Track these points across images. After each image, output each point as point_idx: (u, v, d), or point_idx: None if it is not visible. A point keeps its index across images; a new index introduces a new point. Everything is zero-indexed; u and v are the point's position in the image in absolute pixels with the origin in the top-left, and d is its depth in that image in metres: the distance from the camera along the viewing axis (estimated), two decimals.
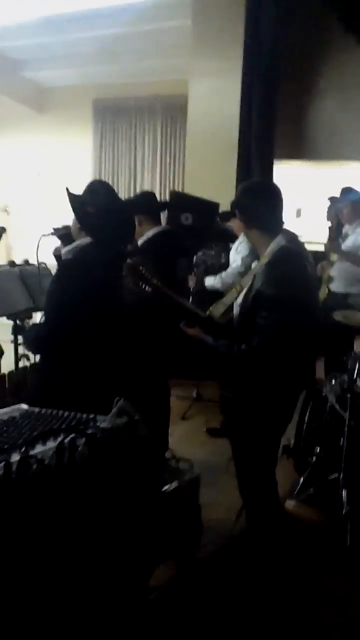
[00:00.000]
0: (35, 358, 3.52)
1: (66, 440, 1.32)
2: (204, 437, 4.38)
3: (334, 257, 4.88)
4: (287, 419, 2.61)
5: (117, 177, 8.16)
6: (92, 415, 1.57)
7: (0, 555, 1.19)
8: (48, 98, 8.56)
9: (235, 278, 4.16)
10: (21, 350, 3.84)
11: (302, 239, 2.93)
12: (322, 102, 6.04)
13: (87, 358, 2.39)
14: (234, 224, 4.51)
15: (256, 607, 2.53)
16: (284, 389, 2.44)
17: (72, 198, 2.58)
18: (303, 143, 6.24)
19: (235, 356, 2.35)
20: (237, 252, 4.27)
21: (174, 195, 5.36)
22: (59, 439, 1.36)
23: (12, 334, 3.83)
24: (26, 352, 3.74)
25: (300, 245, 2.48)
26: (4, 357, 4.03)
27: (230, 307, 2.52)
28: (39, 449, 1.38)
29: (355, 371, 3.49)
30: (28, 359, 3.86)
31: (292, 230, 2.66)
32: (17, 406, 1.77)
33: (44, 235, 3.26)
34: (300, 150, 6.27)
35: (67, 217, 2.82)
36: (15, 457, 1.29)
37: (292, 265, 2.37)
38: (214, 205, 5.09)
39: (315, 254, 3.42)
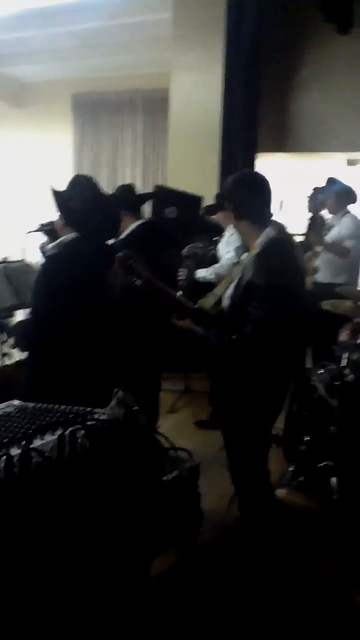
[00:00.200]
0: (18, 356, 3.52)
1: (66, 433, 1.32)
2: (193, 429, 4.40)
3: (318, 248, 4.92)
4: (279, 407, 2.63)
5: (98, 172, 8.11)
6: (89, 408, 1.58)
7: (4, 547, 1.19)
8: (27, 93, 8.48)
9: (230, 269, 4.17)
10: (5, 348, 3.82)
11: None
12: (304, 93, 6.06)
13: (75, 352, 2.39)
14: (221, 217, 4.52)
15: (252, 592, 2.57)
16: (276, 378, 2.46)
17: (56, 194, 2.58)
18: (285, 135, 6.25)
19: (227, 346, 2.37)
20: (229, 244, 4.28)
21: (158, 189, 5.35)
22: (59, 432, 1.37)
23: None
24: (8, 350, 3.73)
25: (290, 236, 2.49)
26: None
27: (221, 298, 2.53)
28: (37, 442, 1.39)
29: (344, 360, 3.53)
30: (10, 357, 3.84)
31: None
32: (10, 402, 1.77)
33: (30, 231, 3.26)
34: (282, 142, 6.29)
35: (50, 213, 2.82)
36: (16, 451, 1.30)
37: (283, 256, 2.38)
38: (198, 199, 5.11)
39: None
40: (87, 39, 6.69)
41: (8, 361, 3.85)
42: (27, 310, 2.87)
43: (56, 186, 2.64)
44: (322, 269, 4.91)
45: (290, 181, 6.81)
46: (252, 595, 2.57)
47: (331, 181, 5.08)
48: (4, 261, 4.12)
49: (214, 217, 4.93)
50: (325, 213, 5.08)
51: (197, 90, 5.87)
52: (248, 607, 2.52)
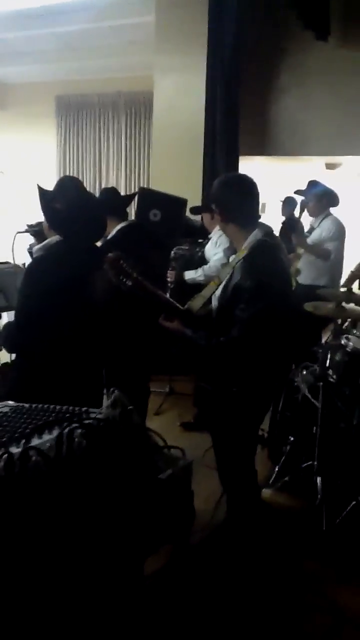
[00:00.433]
0: (6, 357, 3.50)
1: (65, 432, 1.34)
2: (178, 431, 4.43)
3: (300, 250, 4.98)
4: (266, 409, 2.67)
5: (81, 174, 8.12)
6: (84, 408, 1.60)
7: (2, 545, 1.21)
8: (9, 94, 8.46)
9: (219, 271, 4.21)
10: None
11: None
12: (284, 98, 6.12)
13: (59, 354, 2.40)
14: (206, 219, 4.55)
15: (240, 591, 2.60)
16: (263, 380, 2.49)
17: (42, 194, 2.57)
18: (266, 139, 6.31)
19: (214, 348, 2.40)
20: (218, 245, 4.30)
21: (142, 191, 5.36)
22: (58, 431, 1.39)
23: None
24: None
25: (276, 238, 2.53)
26: None
27: (209, 300, 2.56)
28: (35, 441, 1.40)
29: (327, 361, 3.58)
30: None
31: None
32: (4, 402, 1.78)
33: (18, 232, 3.25)
34: (263, 145, 6.35)
35: (37, 214, 2.82)
36: (15, 449, 1.31)
37: (270, 258, 2.42)
38: (182, 201, 5.13)
39: None
40: (71, 41, 6.70)
41: None
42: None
43: (42, 185, 2.63)
44: (304, 271, 4.98)
45: (271, 184, 6.89)
46: (240, 595, 2.61)
47: (312, 184, 5.13)
48: None
49: (197, 219, 4.99)
50: (306, 215, 5.16)
51: (180, 93, 5.91)
52: (236, 606, 2.55)
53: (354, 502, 3.21)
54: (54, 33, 6.55)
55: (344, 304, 3.53)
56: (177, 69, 5.89)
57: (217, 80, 5.66)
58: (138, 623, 1.50)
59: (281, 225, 6.72)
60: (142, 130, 7.70)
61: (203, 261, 4.46)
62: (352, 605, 2.71)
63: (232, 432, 2.57)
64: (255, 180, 2.54)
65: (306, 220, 5.20)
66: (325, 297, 3.80)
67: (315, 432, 3.47)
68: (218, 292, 2.52)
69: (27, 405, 1.68)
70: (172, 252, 4.57)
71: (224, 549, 2.75)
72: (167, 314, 2.48)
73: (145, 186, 7.08)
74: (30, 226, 3.21)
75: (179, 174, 5.82)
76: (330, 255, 4.91)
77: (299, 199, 5.30)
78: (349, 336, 3.70)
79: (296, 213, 5.53)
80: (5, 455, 1.23)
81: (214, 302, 2.56)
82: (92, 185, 8.00)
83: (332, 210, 5.05)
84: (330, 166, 7.32)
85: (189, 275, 4.43)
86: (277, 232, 4.80)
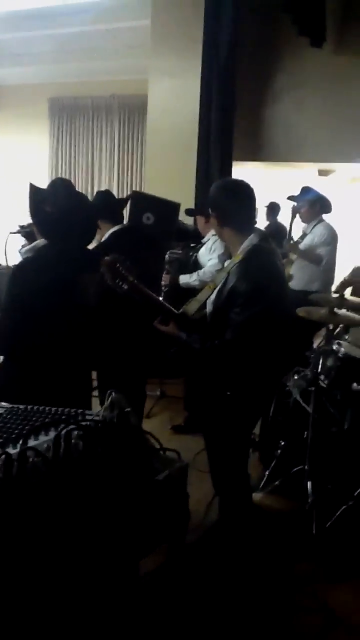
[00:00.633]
0: None
1: (62, 433, 1.34)
2: (170, 434, 4.43)
3: (293, 255, 5.01)
4: (260, 413, 2.69)
5: (74, 176, 8.12)
6: (80, 410, 1.61)
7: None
8: (2, 96, 8.44)
9: (214, 277, 4.21)
10: None
11: None
12: (278, 104, 6.16)
13: (45, 357, 2.38)
14: (200, 222, 4.56)
15: (232, 592, 2.61)
16: (257, 384, 2.51)
17: (33, 193, 2.54)
18: (259, 144, 6.34)
19: (209, 351, 2.40)
20: (212, 251, 4.31)
21: (135, 195, 5.36)
22: (54, 432, 1.39)
23: None
24: None
25: (271, 243, 2.55)
26: None
27: (204, 304, 2.57)
28: (31, 442, 1.41)
29: (318, 366, 3.60)
30: None
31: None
32: None
33: (11, 232, 3.25)
34: (256, 151, 6.38)
35: (27, 216, 2.81)
36: (12, 450, 1.31)
37: (265, 263, 2.43)
38: (175, 205, 5.14)
39: None
40: (65, 44, 6.70)
41: None
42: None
43: (35, 184, 2.61)
44: (296, 276, 5.00)
45: (264, 190, 6.93)
46: (232, 596, 2.61)
47: (305, 190, 5.17)
48: None
49: (190, 224, 5.00)
50: (298, 221, 5.18)
51: (175, 97, 5.93)
52: (227, 607, 2.56)
53: (344, 507, 3.22)
54: (49, 35, 6.56)
55: (336, 309, 3.56)
56: (172, 72, 5.91)
57: (212, 85, 5.68)
58: (133, 622, 1.50)
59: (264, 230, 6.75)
60: (135, 133, 7.72)
61: (197, 265, 4.47)
62: (342, 606, 2.73)
63: (225, 436, 2.57)
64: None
65: (298, 226, 5.22)
66: (318, 303, 3.83)
67: (307, 437, 3.48)
68: (213, 296, 2.53)
69: (22, 406, 1.68)
70: (167, 255, 4.57)
71: (217, 551, 2.76)
72: (162, 317, 2.49)
73: (138, 189, 7.09)
74: (22, 227, 3.22)
75: (172, 177, 5.83)
76: (322, 260, 4.94)
77: (287, 204, 5.32)
78: (341, 341, 3.73)
79: (287, 219, 5.56)
80: (3, 455, 1.23)
81: (209, 306, 2.57)
82: (85, 188, 8.00)
83: (324, 216, 5.08)
84: (323, 172, 7.37)
85: (184, 279, 4.44)
86: None
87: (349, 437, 3.39)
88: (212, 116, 5.70)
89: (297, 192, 5.15)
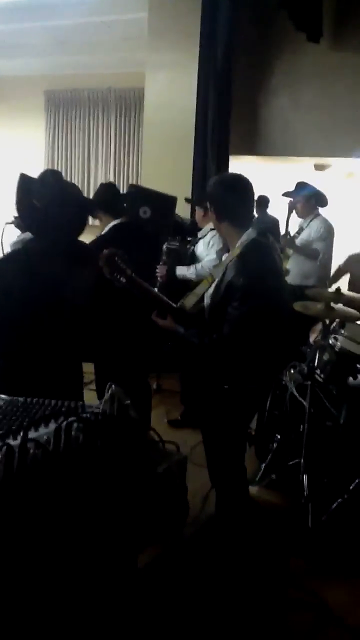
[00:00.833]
0: None
1: (63, 425, 1.35)
2: (166, 428, 4.44)
3: (289, 251, 5.02)
4: (257, 406, 2.70)
5: (70, 170, 8.10)
6: (79, 402, 1.61)
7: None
8: None
9: (211, 272, 4.21)
10: None
11: None
12: (275, 98, 6.14)
13: (31, 351, 2.35)
14: (198, 215, 4.57)
15: (226, 586, 2.62)
16: (255, 377, 2.51)
17: (22, 182, 2.49)
18: (256, 138, 6.33)
19: (207, 345, 2.41)
20: (211, 246, 4.32)
21: (132, 188, 5.35)
22: (54, 424, 1.39)
23: None
24: None
25: (269, 238, 2.55)
26: None
27: (202, 298, 2.57)
28: (31, 434, 1.41)
29: (315, 360, 3.62)
30: None
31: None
32: None
33: (7, 223, 3.24)
34: (253, 145, 6.37)
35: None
36: (13, 442, 1.31)
37: (263, 257, 2.44)
38: (172, 199, 5.13)
39: None
40: (62, 36, 6.67)
41: None
42: None
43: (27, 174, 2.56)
44: (292, 271, 5.01)
45: (260, 184, 6.92)
46: (226, 590, 2.63)
47: (300, 185, 5.18)
48: None
49: (187, 218, 4.99)
50: (294, 216, 5.19)
51: (172, 90, 5.92)
52: (221, 601, 2.57)
53: (339, 500, 3.24)
54: (45, 27, 6.51)
55: (332, 304, 3.57)
56: (169, 66, 5.89)
57: (209, 78, 5.67)
58: (131, 613, 1.51)
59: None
60: (132, 126, 7.69)
61: (194, 258, 4.47)
62: (337, 601, 2.75)
63: (223, 429, 2.58)
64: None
65: (294, 221, 5.23)
66: (314, 297, 3.84)
67: (302, 431, 3.50)
68: (211, 290, 2.53)
69: (21, 399, 1.68)
70: (164, 246, 4.57)
71: (213, 544, 2.77)
72: (160, 311, 2.49)
73: (134, 183, 7.07)
74: (16, 217, 3.21)
75: (169, 171, 5.82)
76: (318, 255, 4.96)
77: (280, 199, 5.32)
78: (337, 336, 3.75)
79: (282, 214, 5.56)
80: (4, 447, 1.23)
81: (207, 300, 2.57)
82: (81, 181, 7.97)
83: (320, 210, 5.09)
84: (319, 167, 7.36)
85: (181, 271, 4.44)
86: None
87: (344, 431, 3.41)
88: (208, 110, 5.68)
89: (292, 188, 5.16)
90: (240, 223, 2.49)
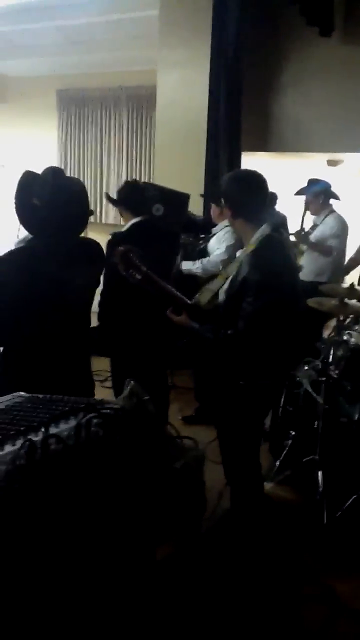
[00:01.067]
0: None
1: (83, 421, 1.37)
2: (180, 424, 4.46)
3: (303, 247, 5.01)
4: (272, 402, 2.70)
5: (83, 168, 8.12)
6: (100, 398, 1.63)
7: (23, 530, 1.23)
8: (11, 88, 8.43)
9: (217, 266, 4.22)
10: None
11: None
12: (287, 94, 6.13)
13: (37, 347, 2.36)
14: (213, 211, 4.58)
15: (241, 581, 2.63)
16: (270, 373, 2.52)
17: (22, 182, 2.40)
18: (268, 135, 6.32)
19: (222, 341, 2.42)
20: (222, 241, 4.33)
21: (145, 186, 5.36)
22: (74, 420, 1.41)
23: None
24: None
25: (284, 233, 2.56)
26: None
27: (217, 294, 2.58)
28: (52, 430, 1.43)
29: (329, 356, 3.61)
30: None
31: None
32: (17, 393, 1.79)
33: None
34: (265, 141, 6.36)
35: None
36: (35, 437, 1.33)
37: (277, 253, 2.45)
38: (185, 197, 5.14)
39: None
40: (73, 35, 6.68)
41: None
42: None
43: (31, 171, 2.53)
44: (306, 268, 5.00)
45: (273, 180, 6.90)
46: (241, 585, 2.64)
47: (311, 182, 5.18)
48: None
49: (199, 215, 5.00)
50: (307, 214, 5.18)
51: (183, 88, 5.92)
52: (236, 596, 2.59)
53: (354, 496, 3.25)
54: (57, 26, 6.54)
55: (346, 300, 3.57)
56: (180, 63, 5.89)
57: (221, 75, 5.66)
58: (149, 603, 1.53)
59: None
60: (144, 124, 7.69)
61: (203, 254, 4.49)
62: (351, 597, 2.76)
63: (238, 425, 2.59)
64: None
65: (309, 218, 5.22)
66: (328, 293, 3.84)
67: (317, 427, 3.51)
68: (226, 286, 2.55)
69: (41, 395, 1.70)
70: None
71: (228, 540, 2.79)
72: (175, 308, 2.51)
73: (147, 180, 7.08)
74: None
75: (181, 168, 5.83)
76: (332, 251, 4.95)
77: (293, 199, 5.31)
78: (351, 332, 3.75)
79: (295, 211, 5.53)
80: (27, 442, 1.25)
81: (222, 296, 2.59)
82: (94, 180, 8.00)
83: (334, 207, 5.07)
84: (332, 163, 7.33)
85: (186, 265, 4.46)
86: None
87: (358, 427, 3.41)
88: (220, 107, 5.68)
89: (304, 184, 5.15)
90: (254, 219, 2.50)
